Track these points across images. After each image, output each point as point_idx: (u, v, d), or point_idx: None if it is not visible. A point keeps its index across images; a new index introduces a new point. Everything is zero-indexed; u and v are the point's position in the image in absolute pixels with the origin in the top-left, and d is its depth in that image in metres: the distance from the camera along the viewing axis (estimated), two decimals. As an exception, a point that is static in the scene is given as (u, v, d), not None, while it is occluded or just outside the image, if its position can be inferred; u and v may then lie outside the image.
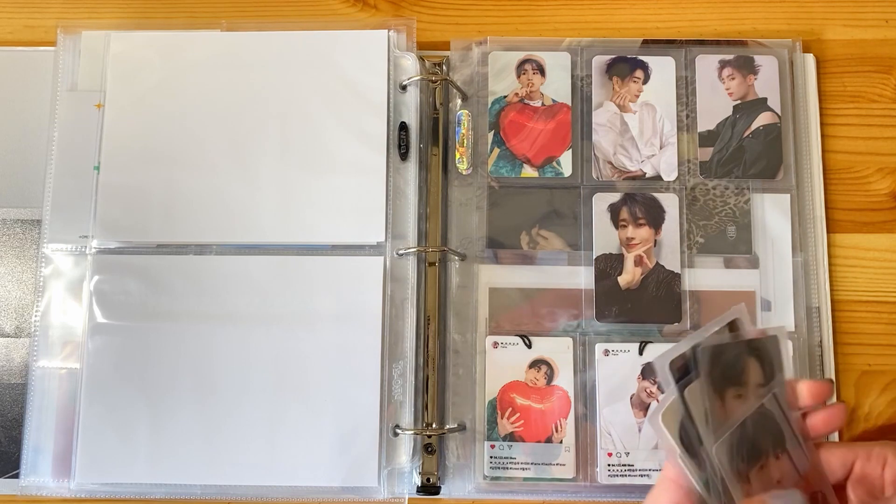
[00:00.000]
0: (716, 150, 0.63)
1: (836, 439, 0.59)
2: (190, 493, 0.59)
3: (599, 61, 0.65)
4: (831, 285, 0.61)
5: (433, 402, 0.60)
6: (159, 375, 0.59)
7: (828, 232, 0.62)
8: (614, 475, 0.58)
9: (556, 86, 0.64)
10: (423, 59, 0.65)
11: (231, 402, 0.59)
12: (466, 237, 0.62)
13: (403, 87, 0.64)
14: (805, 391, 0.44)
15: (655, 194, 0.62)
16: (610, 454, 0.58)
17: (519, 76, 0.65)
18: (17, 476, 0.59)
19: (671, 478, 0.41)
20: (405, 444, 0.59)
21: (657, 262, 0.61)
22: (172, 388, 0.59)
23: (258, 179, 0.62)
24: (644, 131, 0.63)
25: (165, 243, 0.62)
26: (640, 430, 0.58)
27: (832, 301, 0.61)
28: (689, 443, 0.40)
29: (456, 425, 0.60)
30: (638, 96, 0.64)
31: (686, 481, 0.40)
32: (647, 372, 0.59)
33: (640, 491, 0.58)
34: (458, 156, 0.63)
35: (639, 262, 0.61)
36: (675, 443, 0.40)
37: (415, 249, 0.61)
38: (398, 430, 0.59)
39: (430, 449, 0.59)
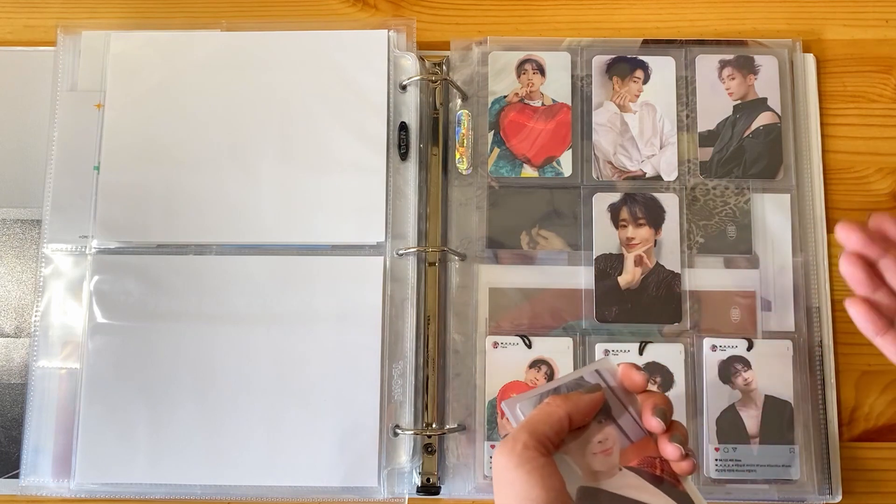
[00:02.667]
0: (716, 150, 0.63)
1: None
2: (190, 493, 0.59)
3: (599, 61, 0.65)
4: (831, 285, 0.61)
5: (433, 402, 0.60)
6: (159, 375, 0.59)
7: (828, 232, 0.62)
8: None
9: (556, 86, 0.64)
10: (423, 59, 0.65)
11: (231, 402, 0.59)
12: (466, 237, 0.62)
13: (403, 87, 0.64)
14: (620, 372, 0.47)
15: (655, 194, 0.62)
16: (610, 454, 0.58)
17: (519, 76, 0.65)
18: (17, 476, 0.59)
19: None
20: (405, 444, 0.59)
21: (657, 262, 0.61)
22: (172, 388, 0.59)
23: (258, 179, 0.62)
24: (644, 131, 0.63)
25: (165, 243, 0.62)
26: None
27: (832, 301, 0.61)
28: None
29: (456, 425, 0.60)
30: (638, 96, 0.64)
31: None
32: (647, 372, 0.59)
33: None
34: (458, 156, 0.63)
35: (639, 262, 0.61)
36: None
37: (415, 249, 0.61)
38: (398, 430, 0.59)
39: (430, 449, 0.59)
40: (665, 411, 0.45)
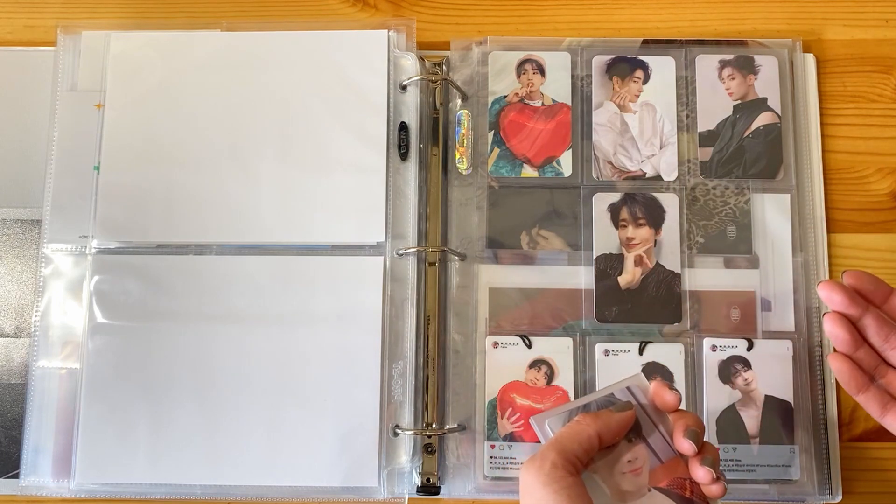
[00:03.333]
0: (716, 150, 0.63)
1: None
2: (190, 493, 0.59)
3: (599, 61, 0.65)
4: (831, 285, 0.61)
5: (433, 402, 0.60)
6: (159, 375, 0.59)
7: (828, 232, 0.62)
8: (614, 475, 0.58)
9: (556, 86, 0.64)
10: (423, 59, 0.65)
11: (231, 402, 0.59)
12: (466, 237, 0.62)
13: (403, 87, 0.64)
14: (652, 389, 0.47)
15: (655, 194, 0.62)
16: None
17: (519, 76, 0.65)
18: (17, 476, 0.59)
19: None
20: (405, 444, 0.59)
21: (657, 262, 0.61)
22: (172, 388, 0.59)
23: (258, 179, 0.62)
24: (644, 131, 0.63)
25: (165, 243, 0.62)
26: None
27: (832, 301, 0.61)
28: None
29: (456, 425, 0.60)
30: (638, 96, 0.64)
31: None
32: (648, 372, 0.59)
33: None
34: (458, 156, 0.63)
35: (639, 262, 0.61)
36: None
37: (415, 249, 0.61)
38: (398, 430, 0.59)
39: (430, 449, 0.59)
40: (697, 433, 0.44)
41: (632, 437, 0.45)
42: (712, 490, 0.44)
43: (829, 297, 0.47)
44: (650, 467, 0.44)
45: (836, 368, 0.48)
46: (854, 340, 0.47)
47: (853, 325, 0.47)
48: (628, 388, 0.46)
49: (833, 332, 0.47)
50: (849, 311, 0.47)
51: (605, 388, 0.46)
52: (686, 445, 0.44)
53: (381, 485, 0.58)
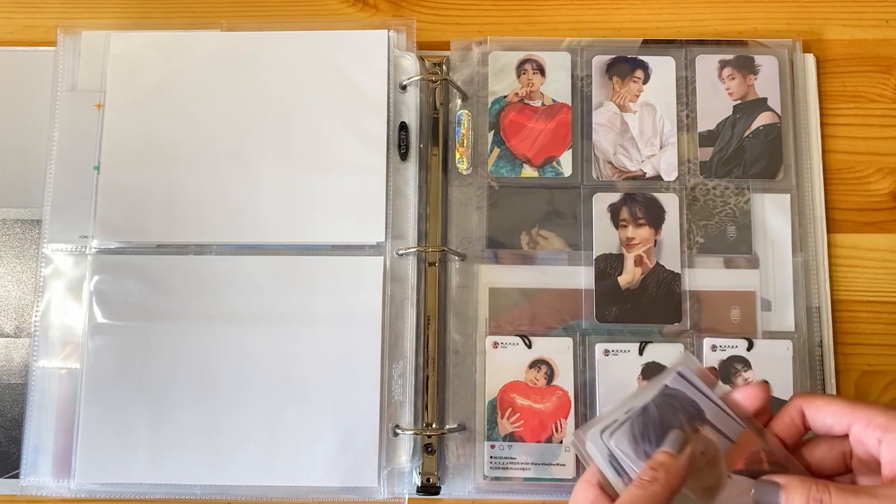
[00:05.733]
0: (716, 150, 0.63)
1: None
2: (190, 493, 0.59)
3: (599, 61, 0.65)
4: (831, 285, 0.61)
5: (433, 402, 0.60)
6: (159, 375, 0.59)
7: (828, 232, 0.62)
8: (614, 475, 0.58)
9: (556, 86, 0.64)
10: (423, 59, 0.65)
11: (231, 401, 0.59)
12: (466, 237, 0.62)
13: (403, 87, 0.64)
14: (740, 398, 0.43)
15: (655, 194, 0.62)
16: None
17: (519, 76, 0.65)
18: (17, 476, 0.59)
19: (586, 479, 0.41)
20: (405, 444, 0.59)
21: (657, 262, 0.61)
22: (172, 388, 0.59)
23: (258, 179, 0.62)
24: (644, 131, 0.63)
25: (165, 243, 0.62)
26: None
27: (832, 301, 0.61)
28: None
29: (456, 425, 0.60)
30: (638, 96, 0.64)
31: (600, 477, 0.41)
32: (648, 372, 0.59)
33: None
34: (458, 156, 0.63)
35: (639, 262, 0.61)
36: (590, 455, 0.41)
37: (415, 249, 0.61)
38: (398, 430, 0.59)
39: (430, 449, 0.59)
40: (760, 385, 0.42)
41: (697, 425, 0.41)
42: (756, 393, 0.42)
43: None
44: (724, 451, 0.41)
45: None
46: None
47: None
48: (680, 374, 0.42)
49: None
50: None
51: (656, 381, 0.43)
52: (749, 396, 0.41)
53: (381, 485, 0.58)
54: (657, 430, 0.41)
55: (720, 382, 0.43)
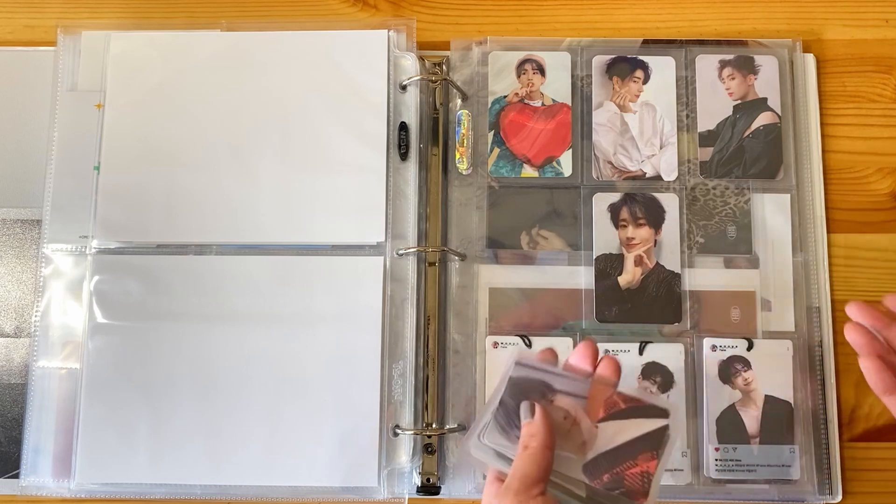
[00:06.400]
0: (716, 150, 0.63)
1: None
2: (190, 493, 0.59)
3: (599, 61, 0.65)
4: (831, 285, 0.62)
5: (433, 402, 0.60)
6: (159, 375, 0.59)
7: (828, 232, 0.62)
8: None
9: (556, 86, 0.64)
10: (423, 59, 0.65)
11: (231, 401, 0.59)
12: (466, 237, 0.62)
13: (403, 87, 0.64)
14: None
15: (655, 194, 0.62)
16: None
17: (519, 76, 0.65)
18: (17, 476, 0.59)
19: (489, 479, 0.46)
20: (405, 444, 0.59)
21: (657, 262, 0.61)
22: (172, 388, 0.59)
23: (258, 179, 0.62)
24: (644, 131, 0.63)
25: (165, 243, 0.62)
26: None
27: (832, 301, 0.61)
28: None
29: (456, 425, 0.60)
30: (638, 96, 0.64)
31: (498, 473, 0.45)
32: (648, 372, 0.59)
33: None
34: (458, 156, 0.63)
35: (639, 262, 0.61)
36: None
37: (415, 249, 0.61)
38: (398, 430, 0.59)
39: (430, 449, 0.59)
40: (586, 343, 0.48)
41: (550, 398, 0.46)
42: (611, 366, 0.47)
43: (857, 314, 0.50)
44: (583, 409, 0.45)
45: (866, 367, 0.49)
46: (874, 345, 0.49)
47: (875, 335, 0.50)
48: (519, 363, 0.46)
49: (854, 339, 0.50)
50: (872, 322, 0.50)
51: (502, 379, 0.46)
52: (581, 356, 0.47)
53: (381, 485, 0.58)
54: (517, 414, 0.45)
55: (559, 357, 0.48)
